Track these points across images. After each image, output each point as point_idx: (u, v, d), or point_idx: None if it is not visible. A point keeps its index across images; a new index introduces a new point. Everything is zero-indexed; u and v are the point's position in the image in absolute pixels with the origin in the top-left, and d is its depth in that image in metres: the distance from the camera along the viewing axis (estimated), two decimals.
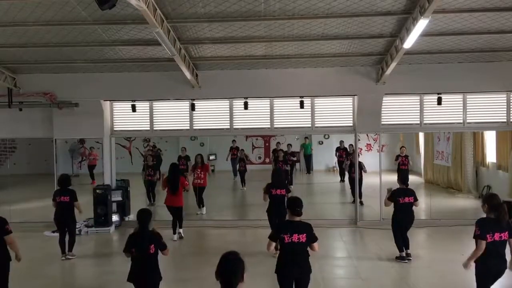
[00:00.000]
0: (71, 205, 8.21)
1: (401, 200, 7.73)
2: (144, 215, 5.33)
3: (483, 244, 4.90)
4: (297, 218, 4.96)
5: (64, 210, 8.20)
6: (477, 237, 4.95)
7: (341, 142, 16.27)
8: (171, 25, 7.94)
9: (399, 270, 7.49)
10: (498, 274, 5.07)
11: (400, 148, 13.71)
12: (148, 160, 12.99)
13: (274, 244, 4.88)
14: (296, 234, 4.84)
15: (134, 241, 5.24)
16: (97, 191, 10.53)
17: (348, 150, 14.88)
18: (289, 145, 16.67)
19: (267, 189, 8.09)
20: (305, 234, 4.87)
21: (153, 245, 5.19)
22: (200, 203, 11.70)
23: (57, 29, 8.13)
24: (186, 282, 7.05)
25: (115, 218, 10.65)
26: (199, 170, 11.53)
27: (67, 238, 8.35)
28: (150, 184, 12.67)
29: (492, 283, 5.11)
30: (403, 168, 13.11)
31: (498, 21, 7.94)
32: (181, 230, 9.65)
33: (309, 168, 19.22)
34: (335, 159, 17.60)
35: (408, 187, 7.98)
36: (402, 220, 7.83)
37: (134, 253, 5.22)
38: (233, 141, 17.06)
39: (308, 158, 19.18)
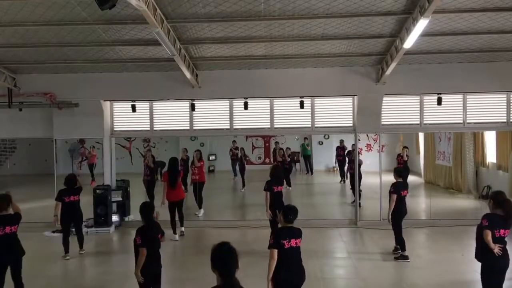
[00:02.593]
0: (78, 203, 8.45)
1: (402, 193, 7.91)
2: (146, 208, 5.49)
3: (490, 234, 4.93)
4: (290, 225, 5.01)
5: (73, 209, 8.37)
6: (485, 228, 4.96)
7: (341, 141, 16.25)
8: (171, 25, 7.95)
9: (399, 270, 7.50)
10: (503, 269, 5.08)
11: (402, 149, 13.54)
12: (148, 160, 12.95)
13: (276, 252, 4.81)
14: (294, 239, 4.92)
15: (147, 235, 5.29)
16: (97, 191, 10.54)
17: (350, 148, 14.85)
18: (288, 148, 16.61)
19: (269, 187, 8.02)
20: (300, 239, 4.99)
21: (160, 234, 5.48)
22: (200, 202, 11.66)
23: (57, 29, 8.14)
24: (186, 282, 7.05)
25: (115, 218, 10.66)
26: (195, 168, 11.59)
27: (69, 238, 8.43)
28: (150, 184, 12.64)
29: (498, 279, 5.10)
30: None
31: (498, 21, 7.94)
32: (183, 229, 9.67)
33: (308, 169, 19.17)
34: (335, 159, 17.59)
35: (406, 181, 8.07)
36: (403, 212, 7.94)
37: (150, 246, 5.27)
38: (233, 141, 17.05)
39: (307, 159, 19.16)
